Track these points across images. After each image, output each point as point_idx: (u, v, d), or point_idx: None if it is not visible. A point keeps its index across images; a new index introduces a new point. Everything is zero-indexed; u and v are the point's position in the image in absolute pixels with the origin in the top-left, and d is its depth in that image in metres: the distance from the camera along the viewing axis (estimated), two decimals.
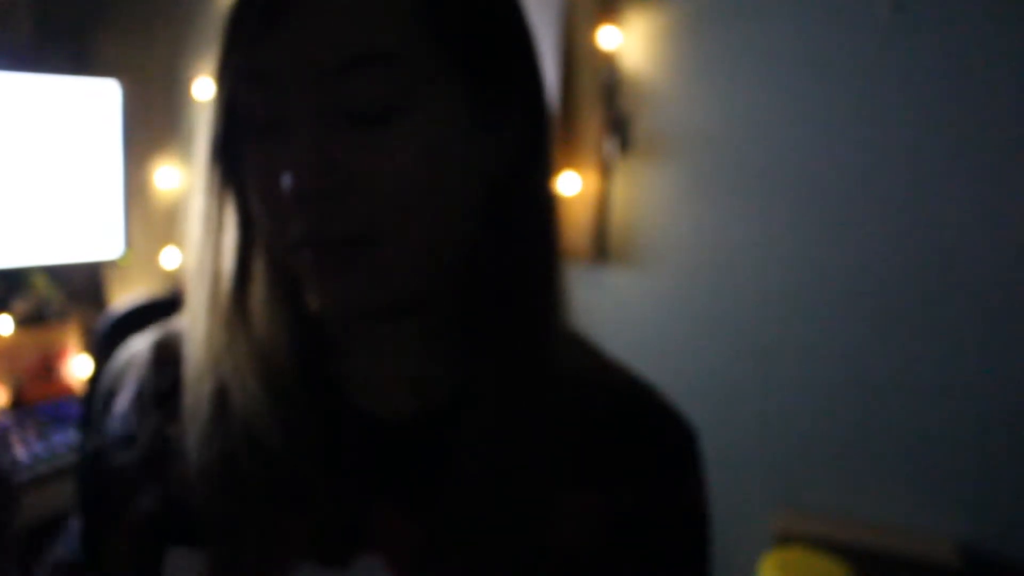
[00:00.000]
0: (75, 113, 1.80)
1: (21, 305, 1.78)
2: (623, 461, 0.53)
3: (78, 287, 1.97)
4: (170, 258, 2.18)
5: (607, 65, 1.71)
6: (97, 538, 0.56)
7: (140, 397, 0.57)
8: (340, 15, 0.45)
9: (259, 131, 0.48)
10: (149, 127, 2.11)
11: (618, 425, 0.54)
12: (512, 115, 0.51)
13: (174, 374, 0.56)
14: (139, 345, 0.60)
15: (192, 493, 0.52)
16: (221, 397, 0.52)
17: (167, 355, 0.58)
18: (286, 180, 0.45)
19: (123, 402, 0.57)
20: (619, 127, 1.71)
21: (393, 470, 0.53)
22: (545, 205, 0.53)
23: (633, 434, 0.54)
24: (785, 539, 1.55)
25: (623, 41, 1.71)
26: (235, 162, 0.51)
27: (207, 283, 0.54)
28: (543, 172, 0.53)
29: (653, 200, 1.73)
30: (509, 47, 0.51)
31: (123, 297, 2.08)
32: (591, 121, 1.73)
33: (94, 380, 0.65)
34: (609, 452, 0.54)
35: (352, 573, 0.51)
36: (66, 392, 1.77)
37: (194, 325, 0.54)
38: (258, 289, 0.53)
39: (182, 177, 2.18)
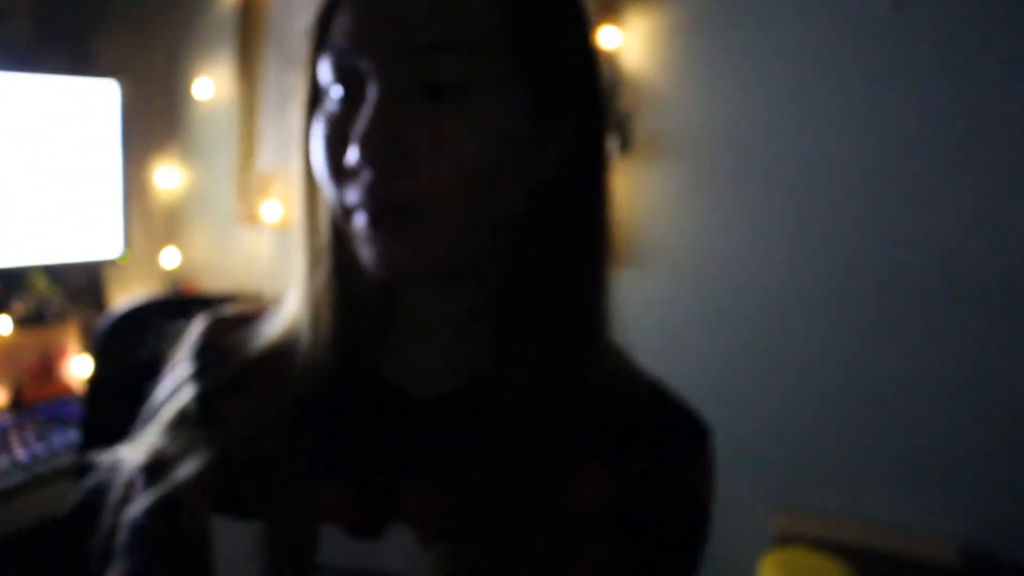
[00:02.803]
0: (74, 113, 1.79)
1: (20, 305, 1.78)
2: (637, 441, 0.57)
3: (77, 287, 1.97)
4: (169, 258, 2.18)
5: (607, 65, 1.71)
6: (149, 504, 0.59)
7: (192, 375, 0.61)
8: (433, 0, 0.49)
9: (332, 96, 0.52)
10: (148, 127, 2.11)
11: (637, 413, 0.58)
12: (569, 124, 0.54)
13: (226, 353, 0.61)
14: (194, 329, 0.64)
15: (236, 462, 0.57)
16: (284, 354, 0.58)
17: (219, 336, 0.62)
18: (352, 152, 0.48)
19: (176, 378, 0.62)
20: (619, 127, 1.70)
21: (425, 446, 0.57)
22: (596, 212, 0.56)
23: (649, 420, 0.58)
24: (785, 539, 1.55)
25: (623, 41, 1.71)
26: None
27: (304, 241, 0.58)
28: (596, 179, 0.57)
29: (653, 200, 1.73)
30: (575, 63, 0.55)
31: (122, 297, 2.08)
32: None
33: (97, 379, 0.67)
34: (625, 435, 0.57)
35: (383, 542, 0.55)
36: (66, 392, 1.77)
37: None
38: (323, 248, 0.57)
39: (181, 177, 2.18)
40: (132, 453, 0.60)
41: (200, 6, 2.09)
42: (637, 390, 0.59)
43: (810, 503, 1.66)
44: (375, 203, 0.50)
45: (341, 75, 0.51)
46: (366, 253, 0.52)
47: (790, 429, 1.67)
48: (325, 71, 0.52)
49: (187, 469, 0.57)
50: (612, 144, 1.73)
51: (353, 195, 0.51)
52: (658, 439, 0.57)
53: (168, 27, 2.12)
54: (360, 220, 0.51)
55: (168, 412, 0.60)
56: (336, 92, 0.51)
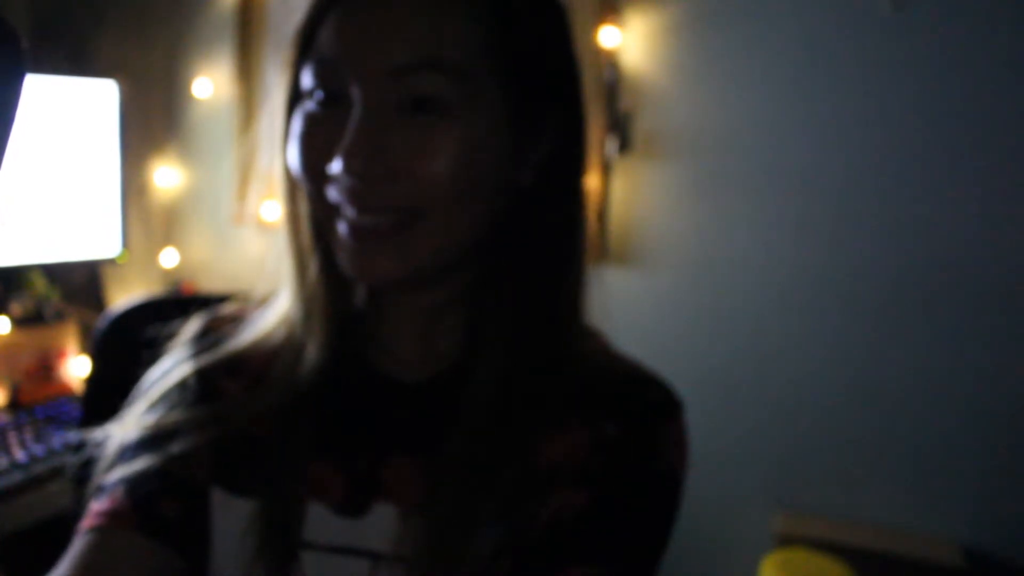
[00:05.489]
0: (73, 113, 1.79)
1: (19, 305, 1.77)
2: (610, 407, 0.58)
3: (76, 287, 1.97)
4: (168, 258, 2.17)
5: (607, 64, 1.70)
6: (147, 474, 0.60)
7: (190, 355, 0.64)
8: (420, 18, 0.50)
9: (316, 101, 0.53)
10: (147, 127, 2.11)
11: (611, 384, 0.59)
12: (548, 136, 0.57)
13: (223, 340, 0.64)
14: (192, 322, 0.67)
15: (232, 441, 0.59)
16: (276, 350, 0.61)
17: (217, 327, 0.65)
18: (337, 163, 0.50)
19: (173, 359, 0.64)
20: (619, 127, 1.70)
21: (406, 428, 0.59)
22: (573, 211, 0.59)
23: (623, 390, 0.59)
24: (786, 540, 1.55)
25: (623, 40, 1.70)
26: None
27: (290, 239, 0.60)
28: (574, 182, 0.59)
29: (653, 200, 1.73)
30: (558, 78, 0.57)
31: (121, 297, 2.07)
32: (591, 121, 1.73)
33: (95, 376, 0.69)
34: (599, 402, 0.58)
35: (367, 520, 0.57)
36: (64, 393, 1.77)
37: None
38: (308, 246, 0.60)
39: (180, 177, 2.17)
40: (123, 428, 0.61)
41: (199, 6, 2.09)
42: (612, 365, 0.61)
43: (811, 503, 1.66)
44: (356, 206, 0.51)
45: (324, 82, 0.52)
46: (345, 261, 0.53)
47: (791, 429, 1.67)
48: (308, 76, 0.53)
49: (188, 440, 0.59)
50: (611, 145, 1.74)
51: (335, 194, 0.52)
52: (631, 405, 0.58)
53: (167, 27, 2.11)
54: (342, 229, 0.53)
55: (164, 387, 0.62)
56: (318, 96, 0.53)
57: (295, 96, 0.56)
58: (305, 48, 0.54)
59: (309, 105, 0.54)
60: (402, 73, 0.50)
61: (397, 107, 0.50)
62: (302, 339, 0.60)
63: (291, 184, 0.59)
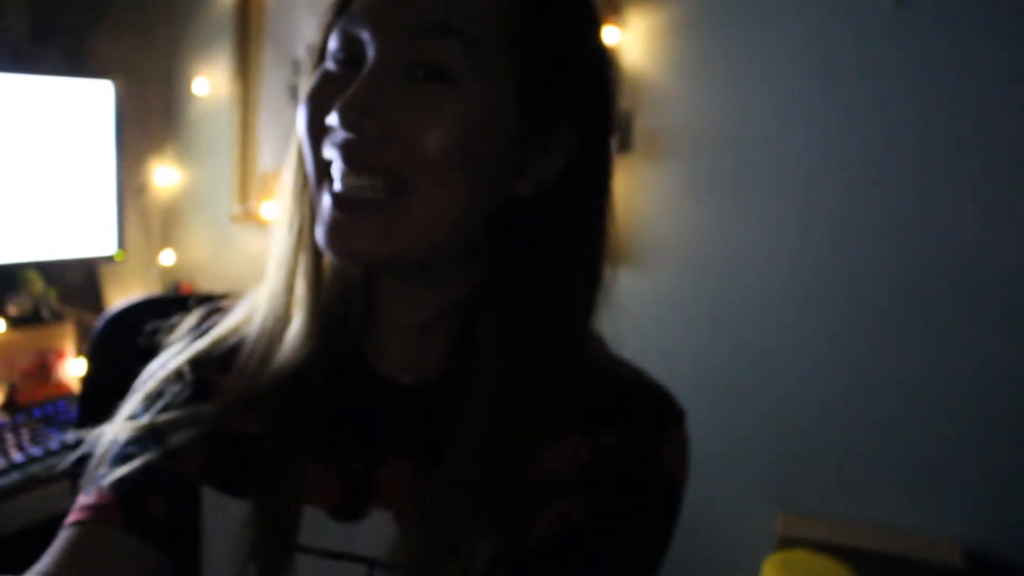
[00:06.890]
0: (70, 113, 1.79)
1: (16, 305, 1.77)
2: (611, 416, 0.58)
3: (73, 287, 1.96)
4: (166, 258, 2.17)
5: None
6: (139, 471, 0.59)
7: (188, 350, 0.63)
8: None
9: (335, 60, 0.53)
10: (144, 127, 2.10)
11: (612, 392, 0.59)
12: (571, 127, 0.54)
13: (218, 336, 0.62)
14: (190, 316, 0.66)
15: (225, 439, 0.58)
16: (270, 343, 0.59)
17: (214, 321, 0.64)
18: (334, 114, 0.49)
19: (171, 353, 0.63)
20: (619, 126, 1.70)
21: (404, 432, 0.58)
22: (595, 216, 0.57)
23: (625, 398, 0.59)
24: (787, 541, 1.54)
25: (623, 40, 1.70)
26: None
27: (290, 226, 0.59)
28: (599, 183, 0.57)
29: (653, 200, 1.72)
30: (578, 70, 0.55)
31: (118, 297, 2.07)
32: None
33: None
34: (600, 410, 0.58)
35: (363, 526, 0.56)
36: (61, 393, 1.76)
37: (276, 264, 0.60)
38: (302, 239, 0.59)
39: (178, 176, 2.17)
40: (116, 423, 0.60)
41: (197, 5, 2.08)
42: (612, 372, 0.60)
43: (812, 505, 1.65)
44: (346, 161, 0.50)
45: (346, 42, 0.52)
46: (322, 235, 0.52)
47: (792, 430, 1.66)
48: (334, 39, 0.53)
49: (178, 436, 0.58)
50: (614, 145, 1.73)
51: (329, 150, 0.51)
52: (632, 414, 0.58)
53: (165, 27, 2.11)
54: (325, 201, 0.52)
55: (159, 380, 0.61)
56: (338, 56, 0.53)
57: (323, 61, 0.56)
58: (337, 15, 0.54)
59: (328, 64, 0.54)
60: (416, 34, 0.50)
61: (408, 71, 0.50)
62: (295, 332, 0.59)
63: (301, 176, 0.58)
